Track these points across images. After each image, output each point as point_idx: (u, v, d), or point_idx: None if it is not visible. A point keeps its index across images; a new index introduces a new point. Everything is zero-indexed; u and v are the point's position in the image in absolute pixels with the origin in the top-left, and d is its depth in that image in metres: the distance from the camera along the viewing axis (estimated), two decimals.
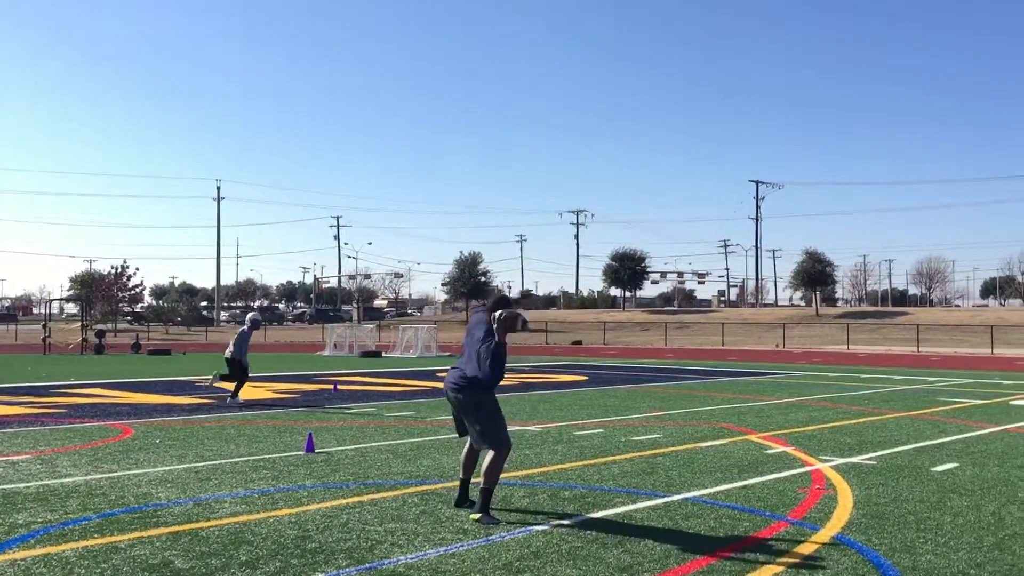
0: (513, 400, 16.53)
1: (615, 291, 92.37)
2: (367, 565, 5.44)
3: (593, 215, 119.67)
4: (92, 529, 6.32)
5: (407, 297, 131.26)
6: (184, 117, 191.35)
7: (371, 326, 46.71)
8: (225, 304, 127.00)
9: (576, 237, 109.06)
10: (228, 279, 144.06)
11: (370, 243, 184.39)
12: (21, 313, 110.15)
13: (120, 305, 74.91)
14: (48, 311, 65.84)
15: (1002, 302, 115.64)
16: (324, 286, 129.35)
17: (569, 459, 9.60)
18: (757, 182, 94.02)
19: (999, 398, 17.53)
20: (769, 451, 10.24)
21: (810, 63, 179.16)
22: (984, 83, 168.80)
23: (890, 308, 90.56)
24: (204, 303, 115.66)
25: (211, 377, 16.91)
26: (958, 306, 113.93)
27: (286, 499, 7.37)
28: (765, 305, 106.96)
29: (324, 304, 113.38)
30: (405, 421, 13.08)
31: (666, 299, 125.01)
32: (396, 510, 6.97)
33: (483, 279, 78.79)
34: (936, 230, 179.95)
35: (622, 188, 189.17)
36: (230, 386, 16.18)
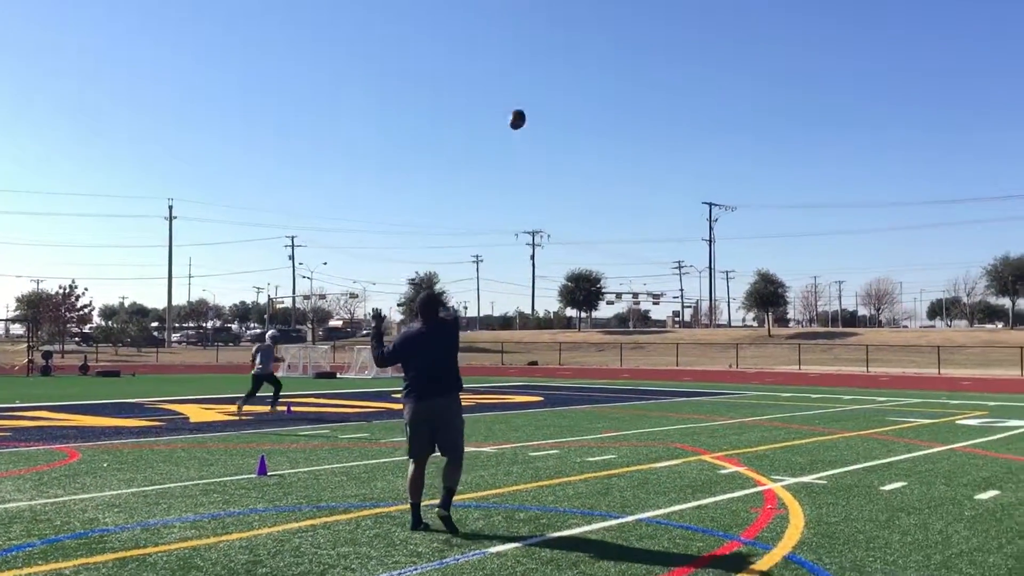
0: (469, 421, 16.33)
1: (571, 312, 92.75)
2: None
3: (549, 236, 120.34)
4: (36, 556, 6.17)
5: (362, 317, 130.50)
6: (134, 134, 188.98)
7: (325, 347, 46.29)
8: (177, 325, 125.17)
9: (532, 258, 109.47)
10: (180, 299, 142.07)
11: (325, 263, 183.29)
12: None
13: (68, 326, 73.46)
14: None
15: (948, 323, 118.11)
16: (278, 306, 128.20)
17: (524, 480, 9.59)
18: (711, 204, 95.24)
19: (946, 417, 17.87)
20: (722, 471, 10.32)
21: (763, 87, 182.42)
22: (932, 109, 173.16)
23: (840, 329, 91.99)
24: (155, 324, 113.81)
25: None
26: (906, 327, 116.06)
27: (237, 523, 7.26)
28: (719, 326, 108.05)
29: (282, 325, 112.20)
30: (359, 443, 12.98)
31: (622, 320, 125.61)
32: (349, 533, 6.91)
33: (438, 301, 78.51)
34: (884, 252, 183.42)
35: (578, 209, 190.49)
36: (250, 408, 17.52)
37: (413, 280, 77.33)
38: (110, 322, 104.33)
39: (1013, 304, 72.35)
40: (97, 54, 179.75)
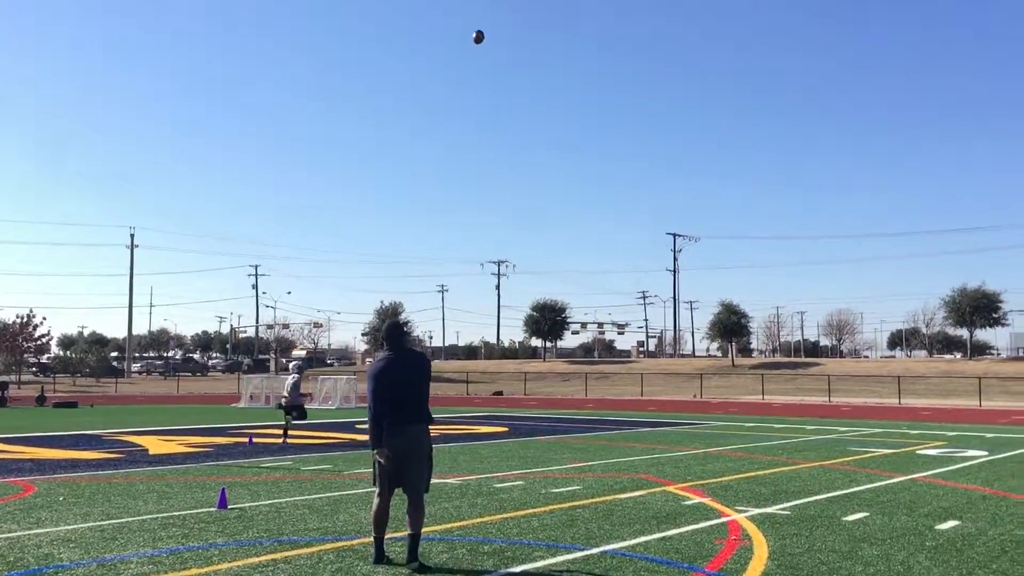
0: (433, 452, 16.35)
1: (536, 342, 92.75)
2: None
3: (515, 266, 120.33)
4: None
5: (327, 347, 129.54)
6: (96, 162, 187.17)
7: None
8: (137, 355, 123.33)
9: (497, 287, 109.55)
10: (141, 329, 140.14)
11: (289, 292, 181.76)
12: None
13: (25, 356, 72.08)
14: None
15: (908, 353, 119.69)
16: (241, 335, 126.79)
17: (489, 512, 9.53)
18: (675, 235, 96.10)
19: (906, 447, 18.05)
20: (687, 502, 10.34)
21: (725, 119, 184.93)
22: (891, 144, 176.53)
23: (803, 359, 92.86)
24: (115, 353, 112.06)
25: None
26: (867, 357, 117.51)
27: (196, 558, 7.13)
28: (683, 355, 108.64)
29: (255, 354, 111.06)
30: (323, 475, 12.83)
31: (587, 349, 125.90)
32: (311, 568, 6.81)
33: (404, 329, 78.23)
34: (845, 283, 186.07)
35: (543, 239, 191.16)
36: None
37: (379, 310, 76.91)
38: (68, 352, 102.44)
39: (971, 335, 73.47)
40: (57, 79, 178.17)
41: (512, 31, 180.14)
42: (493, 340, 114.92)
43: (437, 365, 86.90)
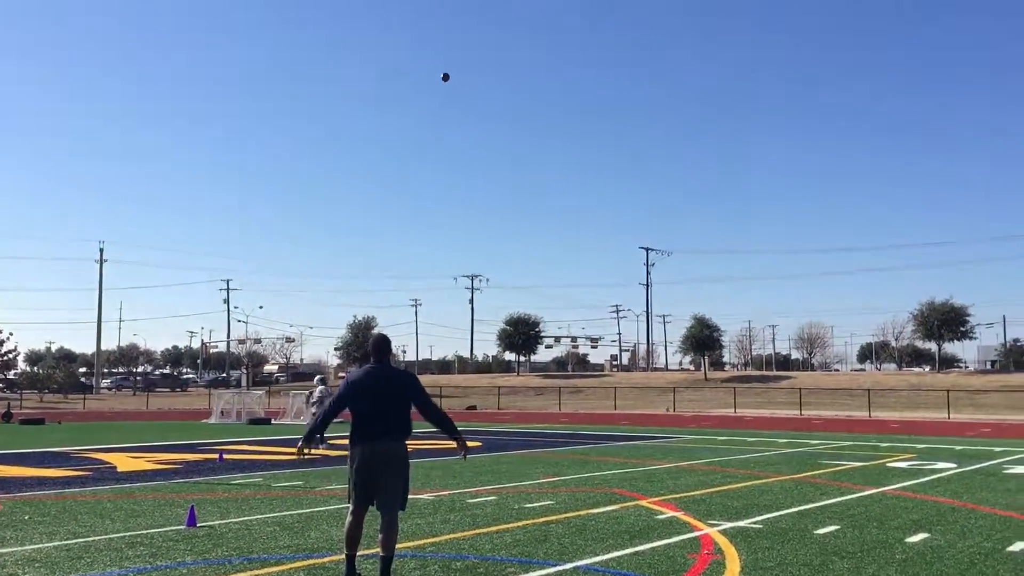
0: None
1: (510, 356, 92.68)
2: None
3: (488, 280, 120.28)
4: None
5: (299, 362, 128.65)
6: (63, 175, 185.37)
7: (260, 392, 45.43)
8: (107, 371, 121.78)
9: (471, 302, 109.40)
10: (110, 344, 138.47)
11: (261, 307, 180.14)
12: None
13: None
14: None
15: (878, 366, 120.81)
16: (212, 350, 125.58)
17: (462, 528, 9.48)
18: (647, 249, 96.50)
19: (877, 460, 18.20)
20: (659, 516, 10.34)
21: (697, 134, 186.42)
22: (859, 158, 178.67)
23: (775, 372, 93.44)
24: (83, 369, 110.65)
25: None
26: (837, 370, 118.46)
27: None
28: (656, 369, 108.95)
29: (215, 369, 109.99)
30: (294, 491, 12.71)
31: (560, 363, 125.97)
32: None
33: (390, 343, 77.88)
34: (816, 297, 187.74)
35: (516, 253, 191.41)
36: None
37: (352, 324, 76.52)
38: (36, 368, 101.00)
39: (939, 348, 74.33)
40: (24, 89, 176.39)
41: (479, 50, 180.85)
42: (467, 354, 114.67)
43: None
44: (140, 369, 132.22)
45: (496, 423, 35.82)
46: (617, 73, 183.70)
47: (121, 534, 9.04)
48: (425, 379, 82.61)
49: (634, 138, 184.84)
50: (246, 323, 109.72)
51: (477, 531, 9.27)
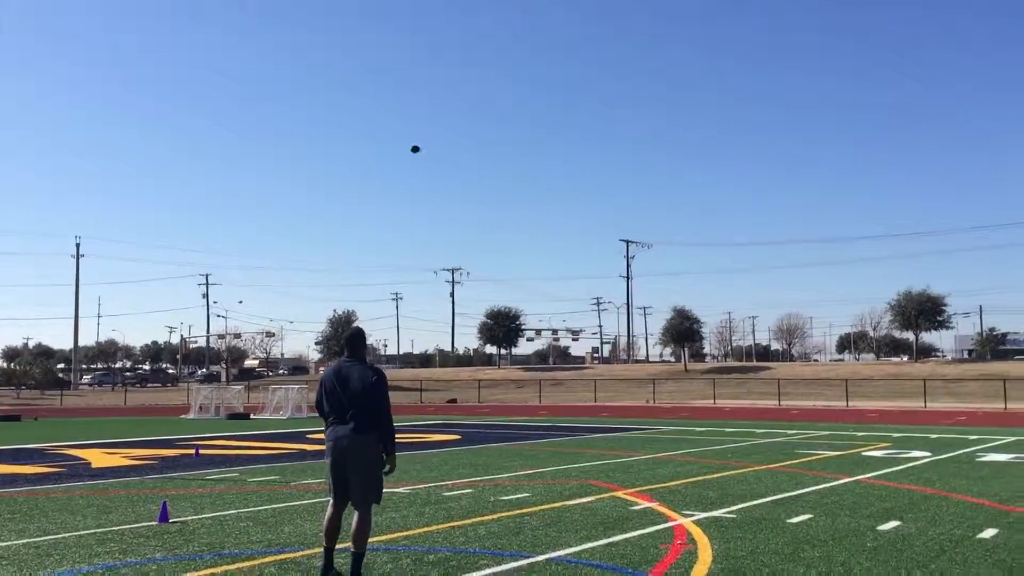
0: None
1: (491, 349, 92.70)
2: None
3: (469, 273, 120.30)
4: None
5: (280, 356, 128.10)
6: (41, 171, 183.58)
7: (239, 387, 45.21)
8: (85, 366, 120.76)
9: (452, 295, 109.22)
10: (88, 340, 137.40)
11: (240, 302, 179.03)
12: None
13: None
14: None
15: (857, 356, 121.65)
16: (192, 346, 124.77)
17: (436, 521, 9.46)
18: (627, 241, 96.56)
19: (852, 449, 18.32)
20: (634, 507, 10.36)
21: (676, 127, 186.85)
22: (838, 150, 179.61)
23: (754, 363, 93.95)
24: (61, 365, 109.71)
25: None
26: (816, 360, 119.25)
27: (133, 574, 6.97)
28: (637, 361, 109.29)
29: (195, 365, 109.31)
30: (269, 486, 12.64)
31: (541, 356, 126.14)
32: None
33: (365, 338, 77.61)
34: (795, 288, 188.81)
35: (497, 246, 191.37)
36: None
37: (331, 318, 76.24)
38: (13, 364, 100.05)
39: (916, 338, 74.93)
40: (2, 86, 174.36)
41: (460, 43, 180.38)
42: (448, 348, 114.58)
43: (391, 374, 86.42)
44: (119, 365, 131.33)
45: (476, 416, 35.81)
46: (597, 65, 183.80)
47: (92, 531, 8.96)
48: (405, 373, 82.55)
49: (614, 131, 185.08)
50: (225, 318, 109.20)
51: (451, 524, 9.25)
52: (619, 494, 11.55)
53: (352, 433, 6.65)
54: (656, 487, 12.21)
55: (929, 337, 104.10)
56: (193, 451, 18.24)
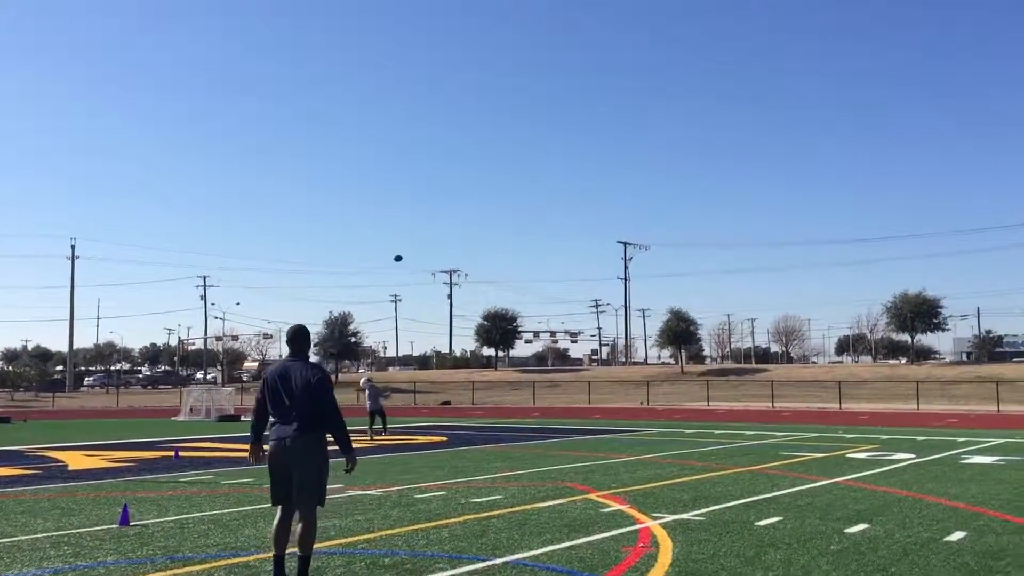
0: (364, 463, 16.11)
1: (488, 351, 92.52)
2: None
3: (467, 275, 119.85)
4: None
5: (277, 358, 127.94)
6: (41, 172, 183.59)
7: (230, 389, 45.05)
8: (83, 369, 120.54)
9: (450, 297, 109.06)
10: (87, 341, 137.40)
11: (238, 303, 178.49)
12: None
13: None
14: None
15: (856, 359, 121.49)
16: (189, 347, 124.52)
17: (401, 523, 9.34)
18: (625, 243, 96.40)
19: (838, 451, 18.19)
20: (605, 510, 10.24)
21: (673, 128, 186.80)
22: (837, 151, 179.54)
23: (752, 365, 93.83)
24: (60, 367, 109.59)
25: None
26: (815, 363, 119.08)
27: None
28: (635, 363, 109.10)
29: (193, 368, 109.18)
30: (241, 488, 12.52)
31: (540, 358, 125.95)
32: None
33: (353, 339, 77.54)
34: (794, 290, 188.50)
35: (496, 248, 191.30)
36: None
37: (327, 320, 76.12)
38: (10, 366, 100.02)
39: (913, 340, 74.75)
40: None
41: (457, 43, 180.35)
42: (446, 350, 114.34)
43: (387, 376, 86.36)
44: (117, 367, 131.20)
45: (468, 418, 35.68)
46: (595, 68, 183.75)
47: (49, 533, 8.84)
48: (401, 375, 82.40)
49: (612, 132, 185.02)
50: (223, 320, 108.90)
51: (416, 527, 9.13)
52: (593, 496, 11.43)
53: (296, 434, 6.52)
54: (631, 489, 12.09)
55: (928, 339, 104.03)
56: (173, 453, 18.11)
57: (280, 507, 6.62)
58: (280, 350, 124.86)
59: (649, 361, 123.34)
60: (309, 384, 6.57)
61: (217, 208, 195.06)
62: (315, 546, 7.83)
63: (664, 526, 9.04)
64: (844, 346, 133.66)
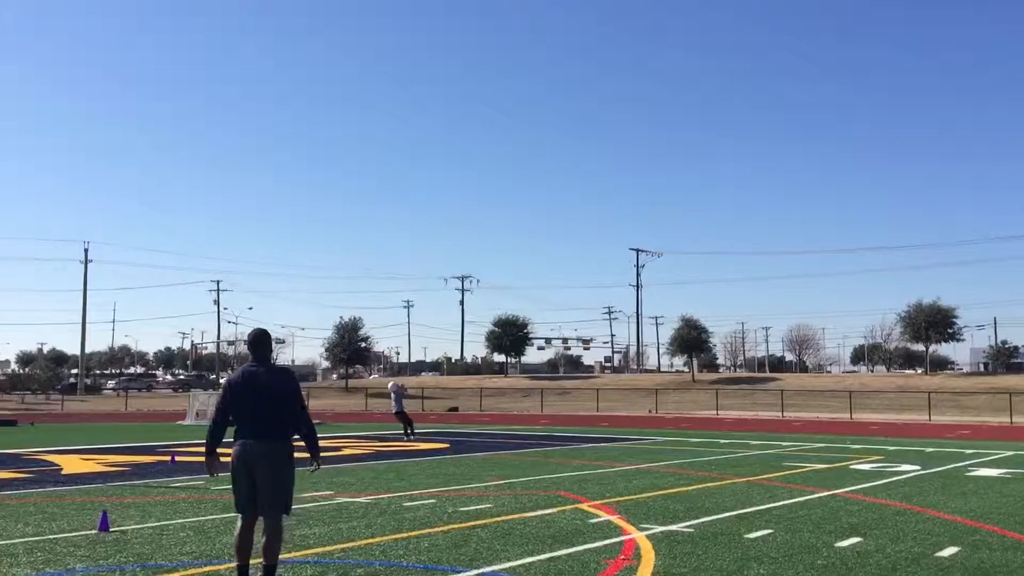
0: (359, 471, 15.99)
1: (499, 357, 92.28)
2: None
3: (479, 281, 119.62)
4: None
5: (290, 363, 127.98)
6: (58, 176, 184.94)
7: None
8: (97, 371, 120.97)
9: (461, 303, 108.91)
10: (102, 345, 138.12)
11: (251, 308, 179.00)
12: None
13: None
14: None
15: (871, 368, 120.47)
16: (203, 351, 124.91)
17: (383, 532, 9.17)
18: (637, 250, 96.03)
19: (842, 462, 17.90)
20: (593, 520, 10.04)
21: (688, 135, 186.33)
22: (853, 159, 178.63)
23: (766, 374, 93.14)
24: (75, 371, 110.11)
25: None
26: (829, 372, 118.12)
27: None
28: (647, 371, 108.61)
29: (205, 371, 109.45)
30: (229, 495, 12.33)
31: (553, 365, 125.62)
32: None
33: (364, 344, 77.47)
34: (810, 299, 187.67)
35: (509, 255, 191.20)
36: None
37: (338, 325, 76.08)
38: (27, 368, 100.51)
39: (927, 350, 74.00)
40: (18, 91, 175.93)
41: (472, 49, 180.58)
42: (457, 356, 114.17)
43: (421, 381, 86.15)
44: (131, 370, 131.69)
45: (474, 425, 35.50)
46: (610, 74, 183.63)
47: (25, 539, 8.73)
48: (411, 380, 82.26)
49: (626, 139, 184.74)
50: (236, 324, 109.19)
51: (397, 536, 8.96)
52: (583, 506, 11.23)
53: (262, 441, 6.39)
54: (624, 499, 11.88)
55: (945, 350, 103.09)
56: (169, 458, 18.01)
57: (242, 516, 6.48)
58: (294, 354, 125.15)
59: (662, 369, 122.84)
60: (277, 390, 6.46)
61: (231, 213, 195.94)
62: (290, 555, 7.75)
63: (651, 537, 8.84)
64: (860, 355, 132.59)
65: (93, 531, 9.14)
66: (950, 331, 67.48)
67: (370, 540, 8.72)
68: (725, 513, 10.58)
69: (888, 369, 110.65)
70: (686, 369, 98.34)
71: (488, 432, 29.86)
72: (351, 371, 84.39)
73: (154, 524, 9.67)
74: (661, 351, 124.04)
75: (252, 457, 6.38)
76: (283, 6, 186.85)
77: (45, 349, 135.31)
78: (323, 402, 59.98)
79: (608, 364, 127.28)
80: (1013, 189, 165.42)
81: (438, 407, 54.28)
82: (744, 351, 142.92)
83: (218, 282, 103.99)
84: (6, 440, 24.98)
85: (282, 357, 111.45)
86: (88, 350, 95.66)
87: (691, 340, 73.06)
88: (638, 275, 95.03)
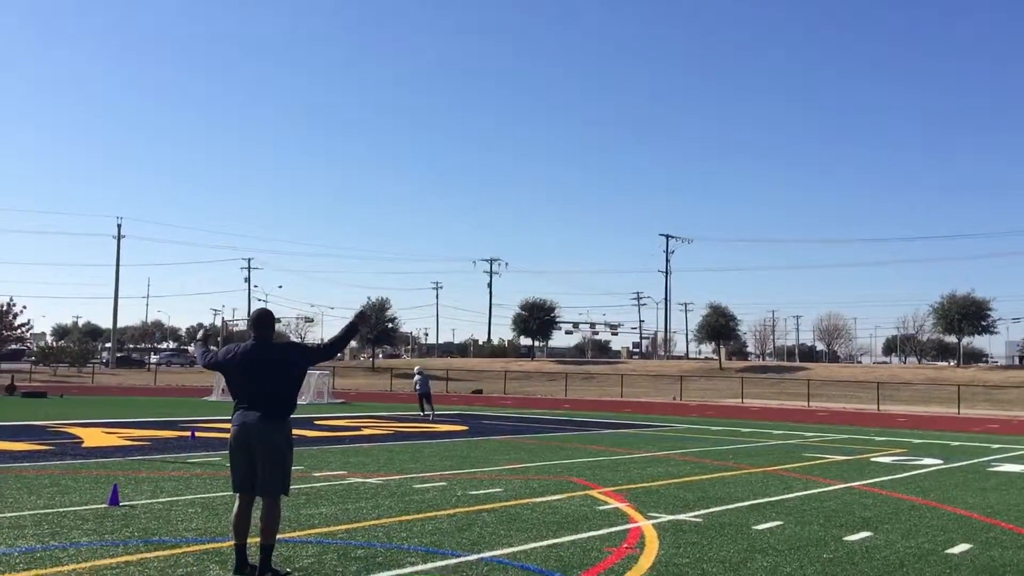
0: (375, 451, 16.04)
1: (525, 340, 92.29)
2: None
3: (507, 264, 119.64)
4: None
5: (319, 342, 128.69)
6: (94, 152, 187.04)
7: None
8: (131, 346, 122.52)
9: (489, 286, 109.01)
10: (135, 320, 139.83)
11: (280, 286, 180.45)
12: None
13: (5, 345, 71.47)
14: None
15: (903, 359, 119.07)
16: (233, 328, 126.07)
17: (390, 514, 9.17)
18: (667, 236, 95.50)
19: (863, 454, 17.68)
20: (602, 507, 9.98)
21: (719, 122, 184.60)
22: (889, 149, 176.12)
23: (795, 363, 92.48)
24: (109, 344, 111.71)
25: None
26: (860, 362, 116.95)
27: (46, 558, 6.77)
28: (674, 357, 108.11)
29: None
30: None
31: (580, 350, 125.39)
32: (160, 571, 6.45)
33: (391, 325, 77.78)
34: (841, 288, 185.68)
35: (539, 238, 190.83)
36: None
37: (365, 305, 76.37)
38: (62, 341, 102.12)
39: (960, 342, 73.00)
40: (52, 67, 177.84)
41: (506, 32, 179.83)
42: (485, 339, 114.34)
43: (424, 363, 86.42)
44: (164, 346, 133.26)
45: (496, 408, 35.54)
46: (641, 59, 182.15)
47: (35, 511, 8.82)
48: (437, 362, 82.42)
49: (657, 124, 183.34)
50: (266, 302, 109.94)
51: (403, 518, 8.95)
52: (594, 492, 11.16)
53: (261, 420, 6.38)
54: (636, 487, 11.80)
55: (980, 342, 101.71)
56: (189, 434, 18.17)
57: (239, 495, 6.48)
58: (322, 332, 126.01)
59: (690, 356, 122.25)
60: (282, 368, 6.46)
61: (264, 192, 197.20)
62: (293, 533, 7.77)
63: (657, 527, 8.76)
64: (891, 347, 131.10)
65: (103, 505, 9.22)
66: (983, 323, 66.51)
67: (375, 522, 8.72)
68: (736, 503, 10.47)
69: (920, 361, 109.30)
70: (715, 356, 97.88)
71: (509, 416, 29.87)
72: (381, 351, 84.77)
73: (164, 500, 9.74)
74: (689, 338, 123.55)
75: (251, 436, 6.37)
76: None
77: (80, 323, 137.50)
78: (349, 381, 60.34)
79: (636, 350, 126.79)
80: None
81: (463, 389, 54.40)
82: (774, 340, 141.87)
83: (249, 260, 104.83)
84: (34, 412, 25.38)
85: (310, 336, 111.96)
86: (121, 324, 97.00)
87: (719, 327, 72.67)
88: (667, 261, 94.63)
